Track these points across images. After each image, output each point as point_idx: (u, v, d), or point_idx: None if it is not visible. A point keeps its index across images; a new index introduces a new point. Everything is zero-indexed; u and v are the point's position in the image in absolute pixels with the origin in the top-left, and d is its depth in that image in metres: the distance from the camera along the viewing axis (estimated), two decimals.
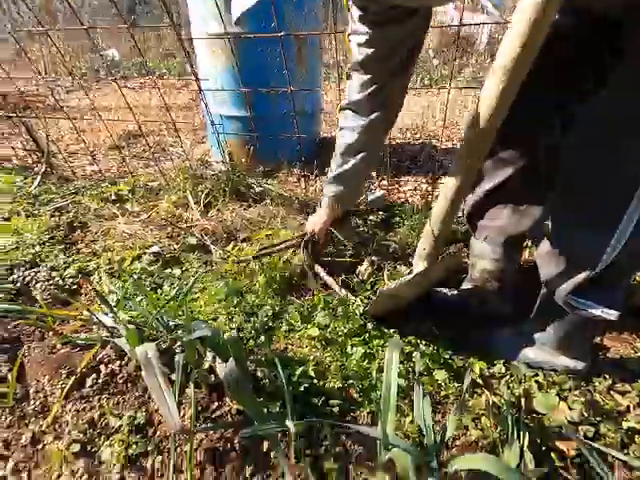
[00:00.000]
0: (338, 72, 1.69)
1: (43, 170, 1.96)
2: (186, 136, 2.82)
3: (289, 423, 0.64)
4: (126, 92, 1.72)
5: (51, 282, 1.28)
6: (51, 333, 1.03)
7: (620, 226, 0.66)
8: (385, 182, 1.92)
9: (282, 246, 1.23)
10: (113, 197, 1.81)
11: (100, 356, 0.95)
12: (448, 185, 0.80)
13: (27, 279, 1.30)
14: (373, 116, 1.01)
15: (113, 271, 1.29)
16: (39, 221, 1.58)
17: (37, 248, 1.43)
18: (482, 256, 1.05)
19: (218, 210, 1.58)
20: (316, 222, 1.24)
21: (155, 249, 1.38)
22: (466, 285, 1.14)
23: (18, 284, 1.27)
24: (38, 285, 1.27)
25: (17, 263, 1.34)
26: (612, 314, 0.76)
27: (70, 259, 1.39)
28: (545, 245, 0.83)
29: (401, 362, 0.92)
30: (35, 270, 1.33)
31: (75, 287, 1.26)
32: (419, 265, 0.98)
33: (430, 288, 1.11)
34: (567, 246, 0.77)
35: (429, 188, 1.78)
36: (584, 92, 0.69)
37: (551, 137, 0.83)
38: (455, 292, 1.16)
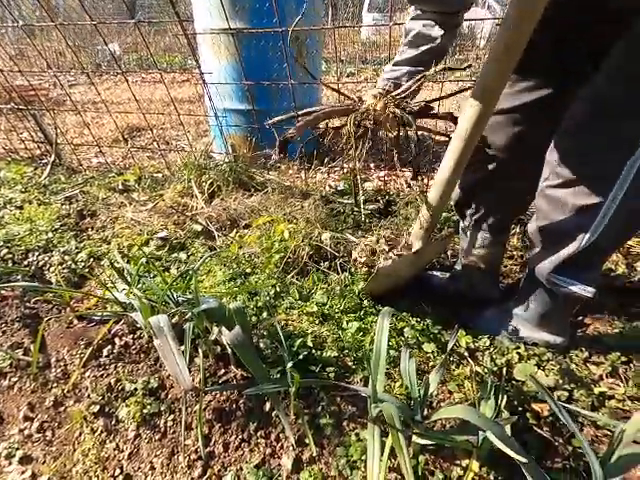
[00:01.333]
0: (337, 66, 1.75)
1: (52, 161, 2.02)
2: (188, 129, 2.88)
3: (289, 381, 0.71)
4: (128, 87, 1.78)
5: (64, 266, 1.36)
6: (68, 310, 1.11)
7: (611, 195, 0.71)
8: (382, 173, 1.98)
9: (328, 110, 0.97)
10: (120, 187, 1.88)
11: (114, 330, 1.02)
12: (446, 161, 0.83)
13: (41, 263, 1.37)
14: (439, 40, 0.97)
15: (123, 256, 1.36)
16: (50, 209, 1.65)
17: (49, 234, 1.50)
18: (471, 241, 1.12)
19: (222, 199, 1.65)
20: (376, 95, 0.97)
21: (162, 235, 1.45)
22: (457, 268, 1.22)
23: (33, 267, 1.34)
24: (52, 268, 1.34)
25: (31, 248, 1.42)
26: (589, 291, 0.83)
27: (81, 244, 1.46)
28: (532, 225, 0.90)
29: (392, 336, 0.99)
30: (48, 255, 1.40)
31: (87, 270, 1.33)
32: (415, 244, 1.04)
33: (423, 269, 1.18)
34: (554, 224, 0.82)
35: (425, 179, 1.84)
36: (581, 74, 0.74)
37: (539, 125, 0.88)
38: (447, 275, 1.24)
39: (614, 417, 0.81)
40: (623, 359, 0.94)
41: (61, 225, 1.56)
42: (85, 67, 4.83)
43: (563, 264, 0.83)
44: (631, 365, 0.93)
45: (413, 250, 1.00)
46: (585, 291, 0.83)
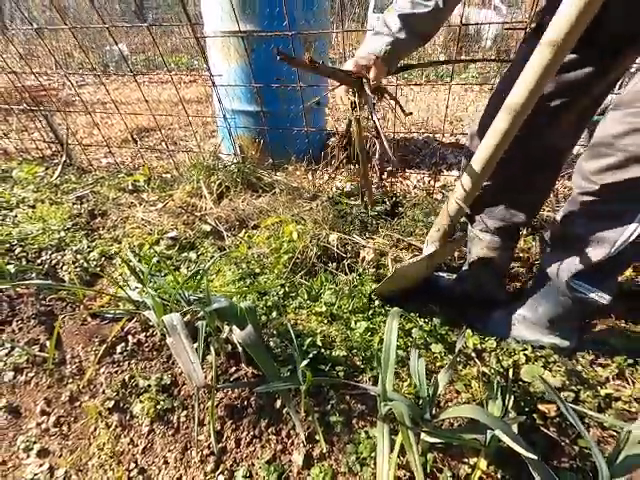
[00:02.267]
0: None
1: (63, 161, 2.06)
2: (196, 130, 2.91)
3: (300, 379, 0.73)
4: (136, 87, 1.80)
5: (76, 264, 1.38)
6: (82, 307, 1.13)
7: None
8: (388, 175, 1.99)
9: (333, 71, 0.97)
10: (130, 187, 1.91)
11: (127, 328, 1.04)
12: (472, 168, 0.82)
13: (54, 262, 1.40)
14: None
15: (134, 255, 1.38)
16: (62, 209, 1.68)
17: (62, 234, 1.53)
18: (479, 244, 1.13)
19: (230, 199, 1.67)
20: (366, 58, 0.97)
21: (172, 234, 1.47)
22: (464, 270, 1.23)
23: (46, 266, 1.37)
24: (65, 267, 1.37)
25: (44, 247, 1.44)
26: (605, 298, 0.83)
27: (93, 244, 1.49)
28: (555, 229, 0.90)
29: (401, 337, 1.01)
30: (61, 253, 1.43)
31: (99, 269, 1.36)
32: (430, 247, 1.05)
33: (433, 271, 1.19)
34: (582, 231, 0.82)
35: (432, 181, 1.86)
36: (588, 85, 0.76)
37: (550, 134, 0.88)
38: (454, 277, 1.25)
39: (620, 418, 0.82)
40: (629, 361, 0.94)
41: (73, 224, 1.59)
42: (94, 67, 4.88)
43: (586, 271, 0.82)
44: (637, 367, 0.94)
45: (429, 252, 1.01)
46: (602, 298, 0.83)
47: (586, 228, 0.81)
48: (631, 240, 0.74)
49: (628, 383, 0.91)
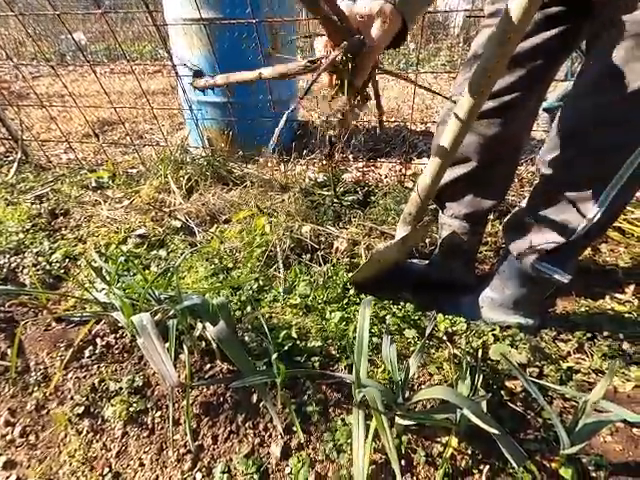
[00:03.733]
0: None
1: (19, 158, 1.94)
2: (162, 122, 2.81)
3: (275, 372, 0.73)
4: (96, 79, 1.71)
5: (38, 267, 1.32)
6: (45, 312, 1.08)
7: (608, 187, 0.70)
8: (361, 164, 2.00)
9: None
10: (93, 184, 1.82)
11: (95, 330, 1.01)
12: (440, 146, 0.80)
13: (13, 265, 1.33)
14: None
15: (100, 255, 1.33)
16: (19, 209, 1.59)
17: (20, 235, 1.45)
18: (449, 230, 1.16)
19: (200, 194, 1.63)
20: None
21: (140, 232, 1.43)
22: (435, 256, 1.26)
23: (4, 270, 1.30)
24: (25, 270, 1.30)
25: (1, 250, 1.36)
26: (567, 278, 0.87)
27: (55, 245, 1.41)
28: (518, 214, 0.93)
29: (374, 324, 1.02)
30: (20, 256, 1.35)
31: (62, 271, 1.30)
32: (402, 231, 1.06)
33: (406, 256, 1.21)
34: (546, 215, 0.84)
35: (403, 169, 1.88)
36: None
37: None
38: (425, 263, 1.28)
39: (580, 389, 0.87)
40: (588, 335, 1.00)
41: (32, 225, 1.51)
42: (49, 58, 4.59)
43: (550, 253, 0.85)
44: (595, 341, 1.00)
45: (401, 236, 1.03)
46: (564, 278, 0.86)
47: (549, 213, 0.83)
48: (592, 223, 0.76)
49: (587, 356, 0.97)
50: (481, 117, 0.89)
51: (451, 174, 1.04)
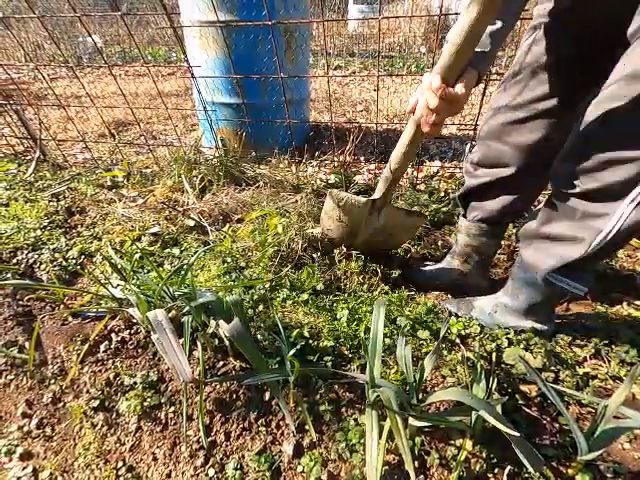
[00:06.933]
0: (326, 59, 1.75)
1: (37, 157, 1.98)
2: (176, 123, 2.85)
3: (288, 370, 0.73)
4: (112, 80, 1.75)
5: (55, 263, 1.34)
6: (62, 307, 1.10)
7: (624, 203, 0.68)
8: (372, 166, 2.00)
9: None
10: (109, 183, 1.86)
11: (110, 326, 1.02)
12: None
13: (31, 261, 1.35)
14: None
15: (115, 252, 1.35)
16: (37, 207, 1.62)
17: (38, 232, 1.48)
18: (468, 233, 1.15)
19: (213, 194, 1.64)
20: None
21: (154, 230, 1.44)
22: (449, 259, 1.25)
23: (22, 265, 1.32)
24: (42, 266, 1.33)
25: (19, 246, 1.39)
26: (582, 290, 0.84)
27: (71, 242, 1.44)
28: (532, 225, 0.91)
29: (386, 325, 1.02)
30: (38, 252, 1.38)
31: (78, 267, 1.32)
32: (375, 194, 1.07)
33: (395, 247, 1.25)
34: (561, 229, 0.82)
35: (414, 172, 1.87)
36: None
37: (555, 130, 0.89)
38: (439, 266, 1.27)
39: (597, 395, 0.86)
40: (605, 341, 0.98)
41: (49, 222, 1.54)
42: (67, 60, 4.69)
43: (565, 267, 0.83)
44: (613, 347, 0.98)
45: (373, 198, 1.04)
46: (580, 290, 0.84)
47: (564, 226, 0.81)
48: (608, 239, 0.73)
49: (604, 362, 0.95)
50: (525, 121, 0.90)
51: (489, 175, 1.04)
